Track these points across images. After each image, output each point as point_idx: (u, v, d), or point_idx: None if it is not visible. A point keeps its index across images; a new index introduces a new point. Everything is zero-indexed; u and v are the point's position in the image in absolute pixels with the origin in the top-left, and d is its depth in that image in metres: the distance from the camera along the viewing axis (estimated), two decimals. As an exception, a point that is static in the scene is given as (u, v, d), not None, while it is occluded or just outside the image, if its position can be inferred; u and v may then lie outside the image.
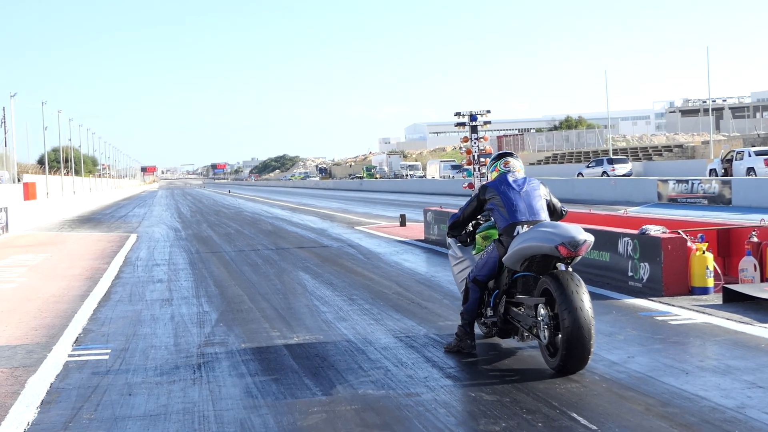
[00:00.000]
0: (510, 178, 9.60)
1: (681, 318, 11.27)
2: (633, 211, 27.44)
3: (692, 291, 12.92)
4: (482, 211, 9.84)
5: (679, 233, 13.38)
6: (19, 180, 66.60)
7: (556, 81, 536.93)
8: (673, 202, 40.41)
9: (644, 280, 13.36)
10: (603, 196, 46.65)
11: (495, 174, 9.89)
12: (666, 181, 42.59)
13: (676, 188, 41.01)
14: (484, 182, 10.14)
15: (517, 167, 9.84)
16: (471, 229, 10.28)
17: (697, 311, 11.66)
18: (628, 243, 13.87)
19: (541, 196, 9.54)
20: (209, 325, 12.22)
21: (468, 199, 10.20)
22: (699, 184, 39.44)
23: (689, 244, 13.14)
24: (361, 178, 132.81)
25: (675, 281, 12.96)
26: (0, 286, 17.48)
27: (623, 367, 8.80)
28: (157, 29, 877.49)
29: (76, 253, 25.24)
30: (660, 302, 12.42)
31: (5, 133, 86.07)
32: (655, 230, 13.50)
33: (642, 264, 13.45)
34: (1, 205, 36.16)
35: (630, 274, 13.75)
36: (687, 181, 40.58)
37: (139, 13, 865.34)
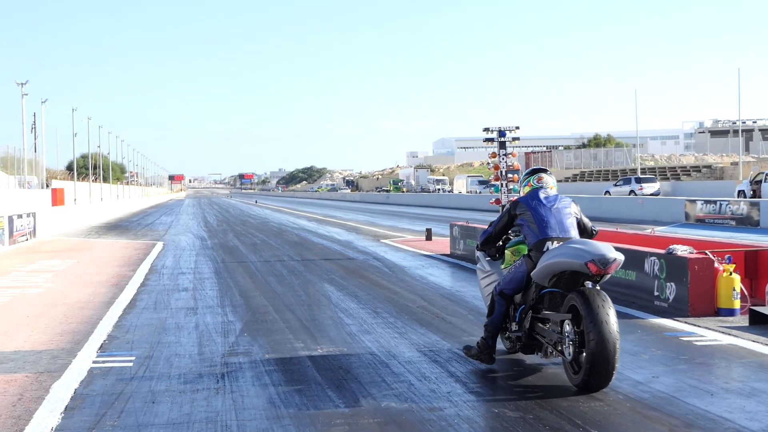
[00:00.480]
0: (541, 195, 9.61)
1: (706, 339, 11.20)
2: (660, 231, 27.33)
3: (718, 312, 12.85)
4: (513, 226, 9.84)
5: (706, 254, 13.32)
6: (47, 185, 67.04)
7: (586, 99, 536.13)
8: (701, 222, 40.21)
9: (670, 300, 13.30)
10: (630, 214, 46.50)
11: (527, 189, 9.90)
12: (694, 201, 42.38)
13: (704, 209, 40.81)
14: (516, 197, 10.14)
15: (550, 184, 9.85)
16: (501, 243, 10.27)
17: (722, 333, 11.59)
18: (654, 262, 13.82)
19: (571, 214, 9.54)
20: (233, 334, 12.24)
21: (498, 214, 10.19)
22: (727, 205, 39.24)
23: (716, 265, 13.08)
24: (387, 191, 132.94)
25: (701, 302, 12.89)
26: (27, 291, 17.59)
27: (647, 387, 8.75)
28: (188, 40, 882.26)
29: (103, 259, 25.38)
30: (686, 323, 12.35)
31: (35, 139, 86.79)
32: (682, 250, 13.44)
33: (668, 284, 13.39)
34: (29, 210, 36.39)
35: (656, 293, 13.70)
36: (715, 202, 40.39)
37: (169, 23, 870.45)
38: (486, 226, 10.44)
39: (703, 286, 12.92)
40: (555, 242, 9.17)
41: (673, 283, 13.28)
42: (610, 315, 8.34)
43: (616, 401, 8.24)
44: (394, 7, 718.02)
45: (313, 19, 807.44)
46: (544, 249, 9.15)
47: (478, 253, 10.77)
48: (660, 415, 7.76)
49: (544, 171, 10.05)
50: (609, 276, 8.73)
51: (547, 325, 9.10)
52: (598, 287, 8.75)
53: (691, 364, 9.86)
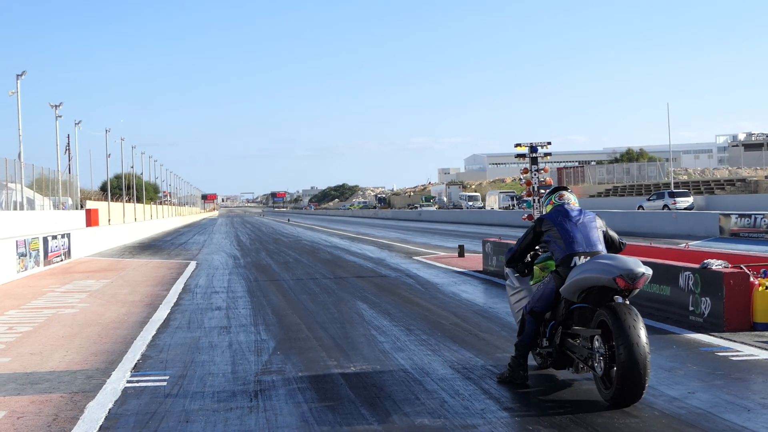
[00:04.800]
0: (567, 209, 9.59)
1: (743, 354, 11.10)
2: (694, 245, 27.14)
3: (755, 327, 12.73)
4: (539, 243, 9.83)
5: (741, 268, 13.20)
6: (81, 206, 67.45)
7: (618, 113, 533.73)
8: (736, 236, 39.85)
9: (705, 315, 13.19)
10: (664, 229, 46.21)
11: (550, 207, 9.91)
12: (728, 215, 42.04)
13: (738, 223, 40.48)
14: (541, 214, 10.13)
15: (572, 200, 9.86)
16: (529, 259, 10.25)
17: (759, 347, 11.48)
18: (689, 277, 13.71)
19: (597, 228, 9.51)
20: (267, 353, 12.26)
21: (525, 230, 10.17)
22: (762, 218, 38.88)
23: (752, 279, 12.96)
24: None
25: (737, 317, 12.78)
26: (61, 311, 17.70)
27: (683, 403, 8.68)
28: (220, 60, 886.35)
29: (136, 279, 25.50)
30: (721, 338, 12.24)
31: (69, 160, 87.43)
32: (717, 265, 13.34)
33: (703, 299, 13.28)
34: (64, 230, 36.63)
35: (691, 308, 13.59)
36: (750, 216, 40.04)
37: (201, 44, 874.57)
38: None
39: (738, 300, 12.81)
40: (582, 257, 9.15)
41: (708, 298, 13.17)
42: (641, 334, 8.28)
43: (652, 417, 8.17)
44: (423, 24, 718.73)
45: (343, 37, 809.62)
46: (572, 264, 9.13)
47: (507, 270, 10.75)
48: None
49: (565, 189, 10.08)
50: (638, 290, 8.68)
51: (578, 341, 9.07)
52: (627, 302, 8.70)
53: (728, 379, 9.77)
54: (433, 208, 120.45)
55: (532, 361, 10.06)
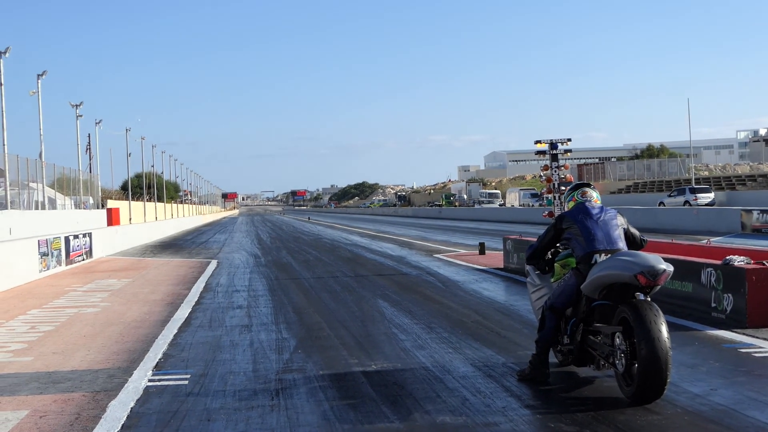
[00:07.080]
0: (587, 207, 9.56)
1: (766, 350, 11.03)
2: (716, 241, 27.01)
3: (777, 323, 12.66)
4: (560, 240, 9.80)
5: (764, 264, 13.13)
6: (103, 205, 67.68)
7: (638, 109, 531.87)
8: (758, 232, 39.62)
9: (728, 312, 13.12)
10: (685, 225, 46.02)
11: (572, 204, 9.88)
12: (750, 211, 41.82)
13: (760, 218, 40.26)
14: (562, 211, 10.10)
15: (594, 197, 9.82)
16: (550, 257, 10.23)
17: (782, 344, 11.42)
18: (711, 273, 13.65)
19: (618, 225, 9.48)
20: (288, 351, 12.26)
21: (546, 227, 10.15)
22: (784, 214, 38.67)
23: (774, 275, 12.89)
24: (440, 205, 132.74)
25: (759, 313, 12.71)
26: (83, 310, 17.76)
27: (706, 400, 8.64)
28: (240, 57, 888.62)
29: (158, 278, 25.56)
30: (744, 334, 12.18)
31: (90, 159, 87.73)
32: (739, 261, 13.27)
33: (725, 295, 13.22)
34: (85, 230, 36.76)
35: (713, 305, 13.52)
36: (772, 212, 39.83)
37: (222, 41, 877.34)
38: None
39: (761, 296, 12.74)
40: (603, 255, 9.12)
41: (730, 294, 13.11)
42: (662, 331, 8.24)
43: (674, 414, 8.14)
44: (440, 22, 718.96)
45: (363, 37, 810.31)
46: (592, 262, 9.10)
47: (527, 267, 10.74)
48: (719, 429, 7.66)
49: (588, 185, 10.03)
50: (659, 287, 8.64)
51: (599, 338, 9.04)
52: (648, 298, 8.67)
53: (751, 376, 9.73)
54: (495, 205, 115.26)
55: (553, 358, 10.03)
